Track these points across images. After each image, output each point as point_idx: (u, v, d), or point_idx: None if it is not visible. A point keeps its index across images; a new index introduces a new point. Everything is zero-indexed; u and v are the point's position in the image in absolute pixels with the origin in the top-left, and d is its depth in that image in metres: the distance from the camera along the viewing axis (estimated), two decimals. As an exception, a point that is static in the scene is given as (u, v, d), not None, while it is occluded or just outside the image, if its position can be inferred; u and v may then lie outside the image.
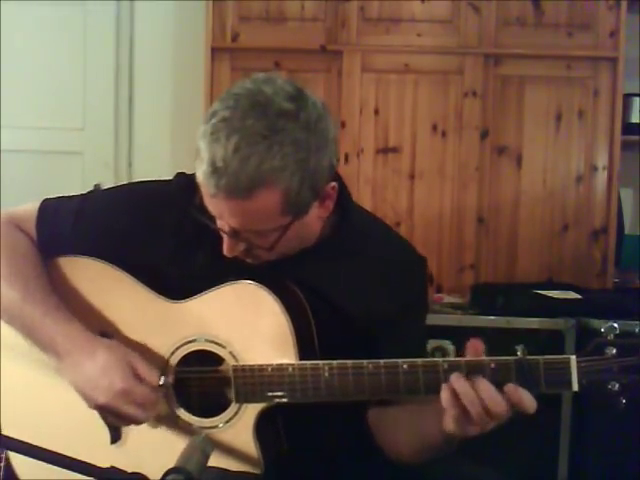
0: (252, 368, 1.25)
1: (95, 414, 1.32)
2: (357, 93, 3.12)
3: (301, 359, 1.24)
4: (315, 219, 1.28)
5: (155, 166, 3.42)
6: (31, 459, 1.00)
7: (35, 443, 1.08)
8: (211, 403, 1.31)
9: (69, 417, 1.35)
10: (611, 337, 1.11)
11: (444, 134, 3.13)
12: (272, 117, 1.15)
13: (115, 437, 1.34)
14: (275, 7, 3.12)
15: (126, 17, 3.59)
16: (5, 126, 3.51)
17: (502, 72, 3.13)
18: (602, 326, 1.12)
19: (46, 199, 1.45)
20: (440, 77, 3.12)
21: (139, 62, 3.60)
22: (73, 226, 1.39)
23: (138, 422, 1.29)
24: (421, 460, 1.29)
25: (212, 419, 1.29)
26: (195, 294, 1.31)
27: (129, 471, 1.04)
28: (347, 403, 1.25)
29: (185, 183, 1.34)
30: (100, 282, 1.36)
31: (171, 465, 0.97)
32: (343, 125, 3.11)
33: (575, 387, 1.11)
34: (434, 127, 3.12)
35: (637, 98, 3.17)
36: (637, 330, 1.10)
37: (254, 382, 1.24)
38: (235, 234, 1.22)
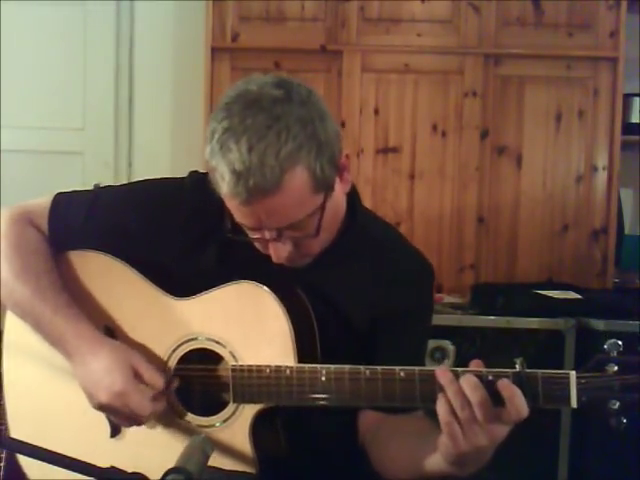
0: (250, 369, 1.25)
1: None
2: (357, 93, 3.12)
3: (301, 362, 1.24)
4: (341, 196, 1.30)
5: (155, 166, 3.42)
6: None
7: (38, 438, 1.08)
8: (210, 402, 1.31)
9: (71, 411, 1.36)
10: (614, 354, 1.08)
11: (444, 134, 3.13)
12: (268, 108, 1.17)
13: (115, 431, 1.35)
14: (275, 7, 3.12)
15: (126, 17, 3.59)
16: (5, 126, 3.51)
17: (502, 72, 3.13)
18: (605, 342, 1.09)
19: (59, 193, 1.46)
20: (440, 77, 3.12)
21: (139, 62, 3.60)
22: (85, 221, 1.40)
23: (135, 424, 1.30)
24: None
25: (210, 418, 1.30)
26: (200, 293, 1.32)
27: (127, 465, 1.04)
28: (348, 410, 1.25)
29: (198, 181, 1.35)
30: (107, 277, 1.38)
31: (168, 461, 0.97)
32: (343, 125, 3.11)
33: (574, 404, 1.08)
34: (434, 127, 3.13)
35: (637, 98, 3.17)
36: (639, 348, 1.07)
37: (252, 383, 1.24)
38: (279, 235, 1.22)
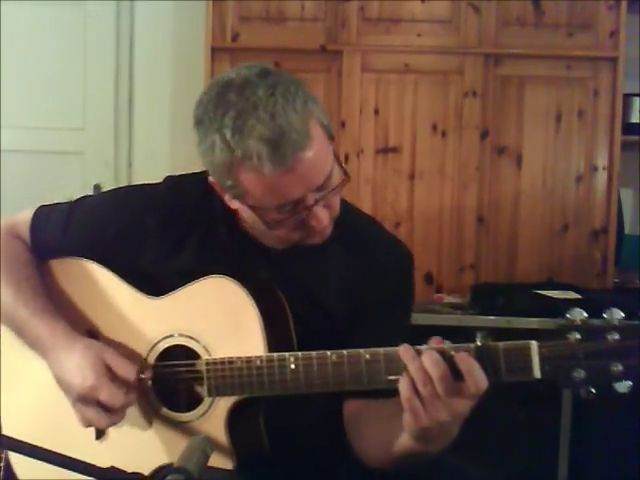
0: (223, 361, 1.27)
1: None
2: (357, 93, 3.12)
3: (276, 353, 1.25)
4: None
5: (155, 166, 3.42)
6: (29, 459, 1.00)
7: (30, 439, 1.08)
8: (189, 397, 1.33)
9: (59, 414, 1.36)
10: (577, 321, 1.05)
11: (444, 134, 3.13)
12: (260, 81, 1.21)
13: (99, 433, 1.36)
14: (275, 7, 3.12)
15: (126, 17, 3.59)
16: (5, 126, 3.51)
17: (502, 72, 3.13)
18: (568, 310, 1.06)
19: (41, 206, 1.50)
20: (440, 77, 3.12)
21: (139, 62, 3.60)
22: (63, 232, 1.44)
23: (109, 420, 1.30)
24: (382, 466, 1.29)
25: (188, 414, 1.31)
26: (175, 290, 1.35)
27: (112, 465, 1.04)
28: (326, 397, 1.25)
29: (174, 185, 1.41)
30: (86, 282, 1.41)
31: (152, 459, 0.97)
32: (343, 125, 3.11)
33: (537, 374, 1.06)
34: (434, 127, 3.13)
35: (637, 98, 3.17)
36: (604, 314, 1.04)
37: (225, 375, 1.26)
38: (318, 196, 1.24)
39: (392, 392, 1.14)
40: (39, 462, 0.98)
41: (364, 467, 1.36)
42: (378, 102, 3.13)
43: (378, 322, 1.34)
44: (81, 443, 1.34)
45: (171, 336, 1.32)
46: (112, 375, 1.28)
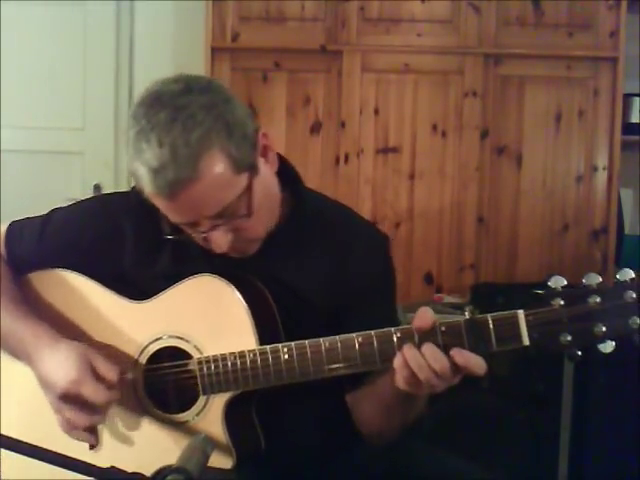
0: (215, 359, 1.27)
1: None
2: (357, 93, 3.12)
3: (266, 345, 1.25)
4: (270, 177, 1.30)
5: (155, 166, 3.42)
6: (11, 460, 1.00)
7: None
8: (184, 398, 1.32)
9: (49, 424, 1.35)
10: (558, 288, 1.12)
11: (444, 134, 3.13)
12: (170, 102, 1.19)
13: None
14: (275, 7, 3.12)
15: (126, 17, 3.59)
16: (5, 126, 3.51)
17: (502, 72, 3.13)
18: (549, 279, 1.12)
19: (13, 221, 1.49)
20: (440, 77, 3.12)
21: (139, 62, 3.60)
22: (38, 244, 1.43)
23: (93, 419, 1.30)
24: (388, 431, 1.32)
25: (183, 414, 1.31)
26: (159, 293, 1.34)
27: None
28: (322, 389, 1.26)
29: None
30: (67, 291, 1.40)
31: (150, 462, 0.97)
32: (343, 125, 3.11)
33: (526, 341, 1.11)
34: (434, 127, 3.13)
35: (637, 98, 3.17)
36: (583, 279, 1.10)
37: (218, 372, 1.26)
38: (215, 224, 1.23)
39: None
40: (27, 464, 0.98)
41: (361, 463, 1.37)
42: (378, 102, 3.13)
43: (363, 308, 1.33)
44: (75, 453, 1.33)
45: (160, 338, 1.32)
46: (95, 374, 1.28)
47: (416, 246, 3.12)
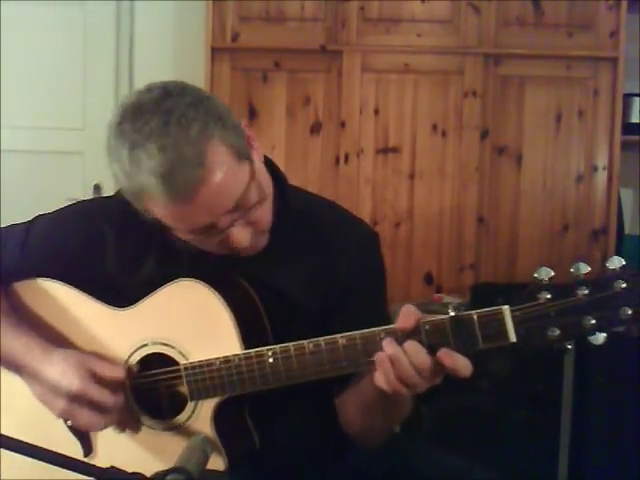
0: (201, 364, 1.26)
1: (65, 428, 1.34)
2: (357, 93, 3.12)
3: (252, 349, 1.24)
4: (260, 166, 1.28)
5: (155, 166, 3.42)
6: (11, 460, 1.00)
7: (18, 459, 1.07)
8: (173, 403, 1.32)
9: (44, 432, 1.35)
10: (545, 281, 1.06)
11: (444, 134, 3.13)
12: (155, 108, 1.16)
13: (87, 450, 1.35)
14: (275, 7, 3.12)
15: (126, 17, 3.59)
16: (5, 126, 3.52)
17: (502, 72, 3.13)
18: (536, 271, 1.07)
19: None
20: (440, 77, 3.12)
21: (139, 62, 3.60)
22: (21, 252, 1.41)
23: (101, 425, 1.30)
24: (370, 431, 1.31)
25: (173, 420, 1.30)
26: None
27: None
28: (317, 389, 1.25)
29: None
30: (52, 301, 1.39)
31: (141, 470, 0.97)
32: (343, 125, 3.11)
33: (512, 338, 1.07)
34: (434, 127, 3.13)
35: (637, 98, 3.17)
36: (571, 269, 1.04)
37: (204, 377, 1.25)
38: (233, 217, 1.21)
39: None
40: (27, 464, 0.98)
41: (359, 464, 1.36)
42: (378, 102, 3.13)
43: (354, 308, 1.32)
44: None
45: (145, 345, 1.31)
46: (97, 378, 1.28)
47: (416, 246, 3.12)
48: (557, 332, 1.05)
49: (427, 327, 1.13)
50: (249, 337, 1.26)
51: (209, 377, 1.25)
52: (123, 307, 1.34)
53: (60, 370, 1.28)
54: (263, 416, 1.31)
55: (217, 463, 1.25)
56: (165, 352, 1.30)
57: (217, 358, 1.24)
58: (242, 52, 3.14)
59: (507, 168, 3.15)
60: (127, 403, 1.32)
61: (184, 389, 1.28)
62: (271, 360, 1.21)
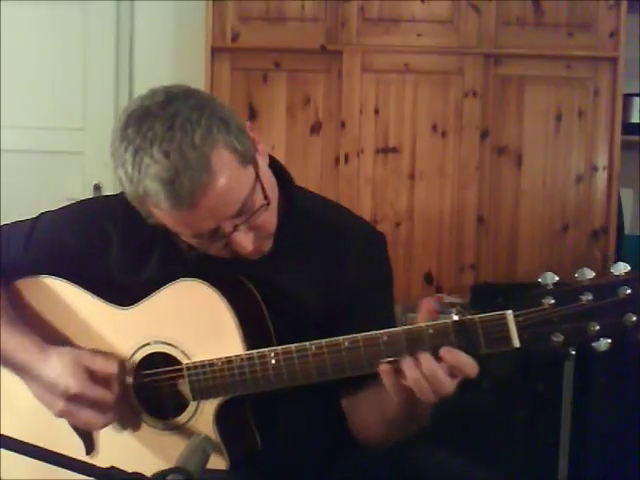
0: (203, 364, 1.26)
1: (67, 426, 1.34)
2: (357, 93, 3.12)
3: (255, 349, 1.24)
4: (265, 169, 1.28)
5: (155, 166, 3.41)
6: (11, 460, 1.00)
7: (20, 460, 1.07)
8: (175, 403, 1.32)
9: (46, 431, 1.35)
10: (549, 286, 1.05)
11: (444, 134, 3.13)
12: (159, 113, 1.16)
13: (89, 448, 1.36)
14: (275, 7, 3.12)
15: (126, 17, 3.59)
16: (5, 126, 3.51)
17: (502, 72, 3.13)
18: (540, 276, 1.06)
19: (0, 226, 1.48)
20: (440, 77, 3.12)
21: (139, 62, 3.60)
22: (25, 250, 1.42)
23: (101, 423, 1.30)
24: (386, 441, 1.31)
25: (175, 420, 1.30)
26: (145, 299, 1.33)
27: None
28: (322, 389, 1.25)
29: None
30: (55, 299, 1.39)
31: (144, 469, 0.97)
32: (343, 125, 3.11)
33: (516, 343, 1.07)
34: (434, 127, 3.12)
35: (637, 98, 3.17)
36: (576, 275, 1.04)
37: (207, 378, 1.25)
38: (236, 222, 1.21)
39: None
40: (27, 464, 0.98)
41: (361, 464, 1.36)
42: (378, 102, 3.12)
43: (361, 310, 1.32)
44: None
45: (147, 344, 1.31)
46: (93, 375, 1.28)
47: (416, 246, 3.12)
48: (561, 338, 1.05)
49: (431, 331, 1.12)
50: (252, 338, 1.25)
51: (211, 377, 1.25)
52: (126, 306, 1.34)
53: (56, 371, 1.29)
54: (266, 416, 1.31)
55: (219, 463, 1.25)
56: (167, 352, 1.30)
57: (219, 358, 1.24)
58: (242, 52, 3.14)
59: (507, 168, 3.14)
60: (128, 401, 1.32)
61: (186, 389, 1.28)
62: (274, 361, 1.21)
